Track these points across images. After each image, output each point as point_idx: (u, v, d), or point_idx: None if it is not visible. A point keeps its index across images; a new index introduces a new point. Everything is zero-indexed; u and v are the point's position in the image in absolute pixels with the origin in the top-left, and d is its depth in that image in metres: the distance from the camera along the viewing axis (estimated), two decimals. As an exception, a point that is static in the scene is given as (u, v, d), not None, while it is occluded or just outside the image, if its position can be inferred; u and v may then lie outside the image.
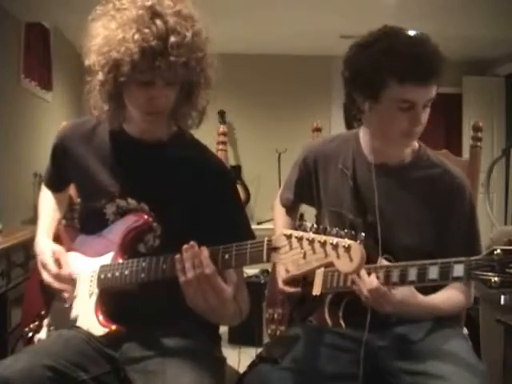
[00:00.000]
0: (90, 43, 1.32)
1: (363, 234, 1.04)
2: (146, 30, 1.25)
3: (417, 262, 1.32)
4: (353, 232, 1.04)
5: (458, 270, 1.25)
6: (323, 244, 1.04)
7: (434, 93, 1.41)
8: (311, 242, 1.06)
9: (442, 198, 1.47)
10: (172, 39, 1.25)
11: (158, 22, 1.26)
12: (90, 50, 1.32)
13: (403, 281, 1.33)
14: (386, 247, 1.40)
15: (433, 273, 1.28)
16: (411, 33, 1.43)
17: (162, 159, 1.43)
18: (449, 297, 1.46)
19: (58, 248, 1.50)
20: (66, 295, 1.44)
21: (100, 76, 1.30)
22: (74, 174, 1.52)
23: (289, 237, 1.10)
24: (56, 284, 1.43)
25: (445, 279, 1.28)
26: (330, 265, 1.06)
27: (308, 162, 1.66)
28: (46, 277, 1.45)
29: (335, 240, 1.03)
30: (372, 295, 1.33)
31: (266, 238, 1.16)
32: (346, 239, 1.03)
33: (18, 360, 1.25)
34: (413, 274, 1.31)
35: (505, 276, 1.18)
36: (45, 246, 1.51)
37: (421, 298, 1.40)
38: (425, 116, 1.44)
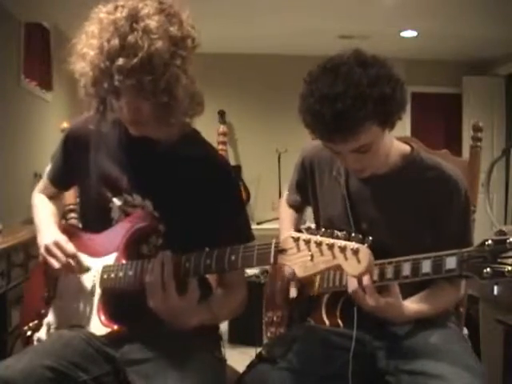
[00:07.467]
0: (71, 50, 1.31)
1: (371, 238, 1.04)
2: (96, 52, 1.22)
3: (409, 256, 1.31)
4: (360, 236, 1.04)
5: (451, 262, 1.25)
6: (331, 246, 1.05)
7: (360, 142, 1.31)
8: (319, 244, 1.06)
9: (437, 201, 1.44)
10: (119, 62, 1.19)
11: (114, 41, 1.21)
12: (72, 58, 1.31)
13: (398, 276, 1.32)
14: (383, 255, 1.39)
15: (426, 267, 1.28)
16: (332, 82, 1.27)
17: (166, 157, 1.42)
18: (433, 298, 1.44)
19: (59, 236, 1.46)
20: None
21: (81, 83, 1.31)
22: (82, 166, 1.49)
23: (296, 239, 1.10)
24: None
25: (438, 272, 1.27)
26: (337, 268, 1.06)
27: (305, 164, 1.66)
28: (55, 264, 1.41)
29: (343, 243, 1.04)
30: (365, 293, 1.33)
31: (274, 240, 1.16)
32: (353, 242, 1.03)
33: (19, 360, 1.25)
34: (407, 269, 1.31)
35: (497, 266, 1.18)
36: (50, 238, 1.45)
37: (405, 304, 1.38)
38: (361, 157, 1.36)
